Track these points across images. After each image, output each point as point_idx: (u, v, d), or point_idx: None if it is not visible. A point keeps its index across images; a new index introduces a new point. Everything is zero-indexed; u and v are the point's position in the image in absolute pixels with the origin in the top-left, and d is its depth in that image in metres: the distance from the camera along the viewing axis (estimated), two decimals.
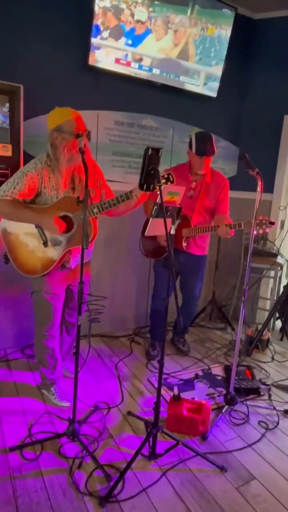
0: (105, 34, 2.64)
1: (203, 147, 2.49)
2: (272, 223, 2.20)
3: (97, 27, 2.59)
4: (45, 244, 2.02)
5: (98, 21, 2.57)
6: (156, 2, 2.73)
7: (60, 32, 2.61)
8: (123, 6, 2.64)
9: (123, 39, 2.72)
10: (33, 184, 1.94)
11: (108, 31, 2.65)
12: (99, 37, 2.62)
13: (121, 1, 2.62)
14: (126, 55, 2.77)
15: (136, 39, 2.76)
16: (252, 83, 3.53)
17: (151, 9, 2.73)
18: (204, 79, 3.16)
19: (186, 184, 2.59)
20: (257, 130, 3.57)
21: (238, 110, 3.60)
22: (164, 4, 2.77)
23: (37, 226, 2.00)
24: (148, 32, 2.78)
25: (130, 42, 2.75)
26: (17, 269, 2.09)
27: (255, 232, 2.16)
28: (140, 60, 2.83)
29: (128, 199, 1.91)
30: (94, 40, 2.61)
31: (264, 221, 2.18)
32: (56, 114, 1.92)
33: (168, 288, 1.81)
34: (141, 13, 2.71)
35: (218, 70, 3.18)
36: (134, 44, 2.77)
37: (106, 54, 2.70)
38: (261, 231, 2.21)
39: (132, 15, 2.69)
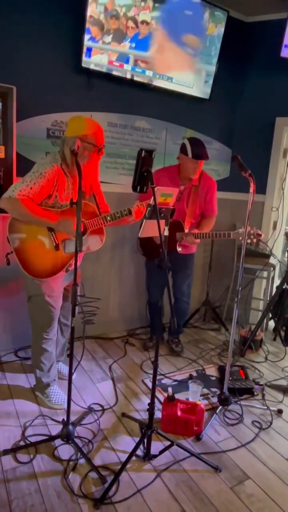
0: (107, 38, 2.65)
1: (199, 151, 2.53)
2: (260, 235, 2.32)
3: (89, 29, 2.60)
4: (56, 247, 2.02)
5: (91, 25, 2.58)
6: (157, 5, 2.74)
7: (53, 33, 2.60)
8: (123, 10, 2.65)
9: (126, 43, 2.74)
10: (48, 186, 1.93)
11: (111, 35, 2.66)
12: (101, 41, 2.64)
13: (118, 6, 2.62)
14: (122, 57, 2.77)
15: (138, 43, 2.79)
16: (244, 85, 3.56)
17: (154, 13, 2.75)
18: (197, 80, 3.17)
19: (174, 187, 2.63)
20: (250, 132, 3.59)
21: (231, 111, 3.62)
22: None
23: (49, 229, 1.99)
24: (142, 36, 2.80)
25: (133, 45, 2.78)
26: (24, 272, 2.03)
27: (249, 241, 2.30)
28: (136, 61, 2.84)
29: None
30: (87, 42, 2.61)
31: (253, 232, 2.30)
32: (82, 123, 1.93)
33: (162, 289, 1.83)
34: (145, 15, 2.76)
35: (211, 72, 3.20)
36: (137, 47, 2.81)
37: (100, 56, 2.70)
38: (254, 240, 2.32)
39: (136, 20, 2.71)
